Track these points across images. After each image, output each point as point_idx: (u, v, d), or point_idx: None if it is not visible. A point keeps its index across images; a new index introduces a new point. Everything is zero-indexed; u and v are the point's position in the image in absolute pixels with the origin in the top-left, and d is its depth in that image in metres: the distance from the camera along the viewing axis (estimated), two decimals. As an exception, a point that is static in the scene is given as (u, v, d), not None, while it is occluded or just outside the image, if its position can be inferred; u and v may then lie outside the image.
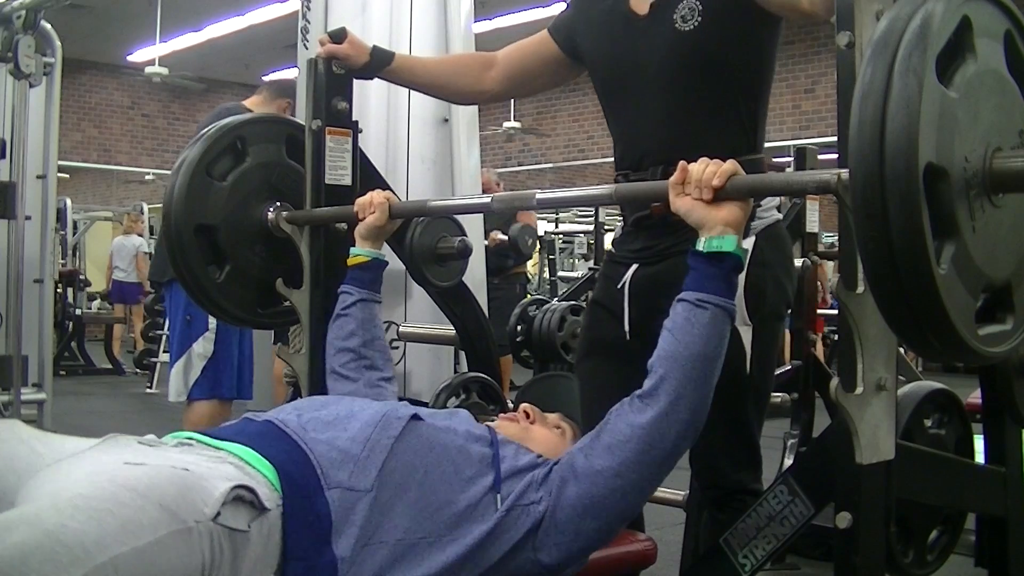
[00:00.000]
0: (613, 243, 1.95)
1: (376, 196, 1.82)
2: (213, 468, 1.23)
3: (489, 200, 1.66)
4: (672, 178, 1.39)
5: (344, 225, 2.01)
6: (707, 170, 1.35)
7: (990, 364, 1.79)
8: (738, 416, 1.72)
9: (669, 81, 1.73)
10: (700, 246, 1.39)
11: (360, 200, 1.84)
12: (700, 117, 1.73)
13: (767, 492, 1.54)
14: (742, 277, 1.67)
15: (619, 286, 1.80)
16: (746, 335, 1.69)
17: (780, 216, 1.79)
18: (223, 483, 1.18)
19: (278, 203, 2.07)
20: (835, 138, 1.32)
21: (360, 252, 1.83)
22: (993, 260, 1.13)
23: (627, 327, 1.79)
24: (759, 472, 1.81)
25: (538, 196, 1.60)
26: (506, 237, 5.59)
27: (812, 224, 3.43)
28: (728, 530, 1.54)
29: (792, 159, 3.74)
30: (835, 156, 1.32)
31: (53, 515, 1.03)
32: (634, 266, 1.80)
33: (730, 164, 1.35)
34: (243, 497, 1.19)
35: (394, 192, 1.92)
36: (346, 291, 1.83)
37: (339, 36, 1.99)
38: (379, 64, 2.01)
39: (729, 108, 1.73)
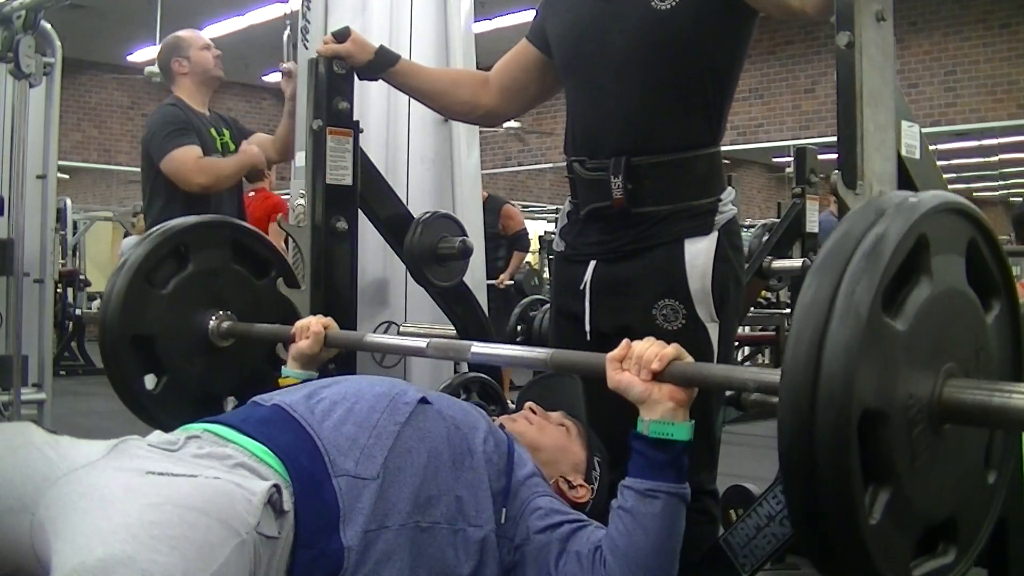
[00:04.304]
0: (561, 234, 1.87)
1: (314, 324, 1.79)
2: (232, 472, 1.24)
3: (424, 345, 1.69)
4: (613, 353, 1.34)
5: (344, 224, 2.01)
6: (649, 350, 1.30)
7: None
8: (704, 414, 1.71)
9: (639, 61, 1.70)
10: (644, 429, 1.31)
11: (299, 323, 1.82)
12: (666, 102, 1.70)
13: (767, 492, 1.55)
14: (710, 274, 1.66)
15: (580, 287, 1.76)
16: (713, 332, 1.69)
17: (736, 210, 1.77)
18: (256, 485, 1.21)
19: (220, 312, 2.01)
20: (835, 138, 1.33)
21: (290, 373, 1.80)
22: (935, 498, 1.02)
23: (587, 327, 1.75)
24: (715, 471, 1.79)
25: (473, 350, 1.62)
26: (512, 281, 6.25)
27: (812, 224, 3.43)
28: (727, 531, 1.54)
29: (792, 159, 3.74)
30: (835, 156, 1.32)
31: (140, 550, 1.06)
32: (593, 263, 1.76)
33: (673, 348, 1.30)
34: (271, 499, 1.21)
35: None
36: None
37: (342, 35, 1.99)
38: (383, 64, 2.00)
39: (696, 95, 1.70)
